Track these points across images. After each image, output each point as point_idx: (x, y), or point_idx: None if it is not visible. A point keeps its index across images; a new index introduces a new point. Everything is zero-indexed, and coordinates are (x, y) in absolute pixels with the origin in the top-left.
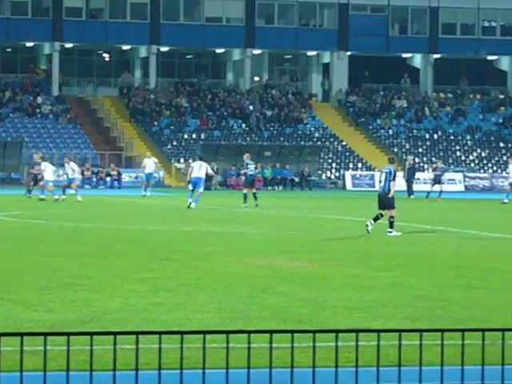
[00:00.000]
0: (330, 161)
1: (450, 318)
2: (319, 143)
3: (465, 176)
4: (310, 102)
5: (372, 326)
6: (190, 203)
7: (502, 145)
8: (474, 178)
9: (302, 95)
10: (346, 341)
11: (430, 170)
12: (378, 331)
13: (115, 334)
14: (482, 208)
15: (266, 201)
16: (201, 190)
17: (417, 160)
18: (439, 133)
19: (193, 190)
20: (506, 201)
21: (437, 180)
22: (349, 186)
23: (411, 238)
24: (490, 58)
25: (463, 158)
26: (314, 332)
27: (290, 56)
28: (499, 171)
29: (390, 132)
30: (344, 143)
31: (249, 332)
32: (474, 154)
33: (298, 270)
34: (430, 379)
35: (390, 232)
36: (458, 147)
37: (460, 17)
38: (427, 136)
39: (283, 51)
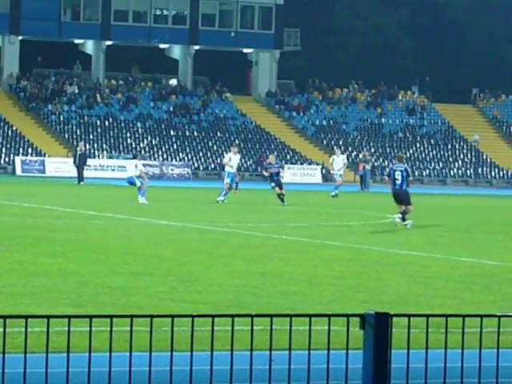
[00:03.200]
0: (0, 146)
1: (114, 304)
2: None
3: None
4: None
5: (36, 312)
6: None
7: (172, 133)
8: (144, 166)
9: None
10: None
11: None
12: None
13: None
14: (151, 195)
15: None
16: None
17: (88, 146)
18: (110, 119)
19: None
20: (333, 193)
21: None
22: (18, 171)
23: (79, 225)
24: (161, 46)
25: (134, 145)
26: None
27: None
28: (169, 159)
29: (62, 118)
30: (14, 128)
31: None
32: (145, 142)
33: None
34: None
35: (406, 224)
36: (128, 134)
37: (132, 4)
38: (98, 123)
39: None
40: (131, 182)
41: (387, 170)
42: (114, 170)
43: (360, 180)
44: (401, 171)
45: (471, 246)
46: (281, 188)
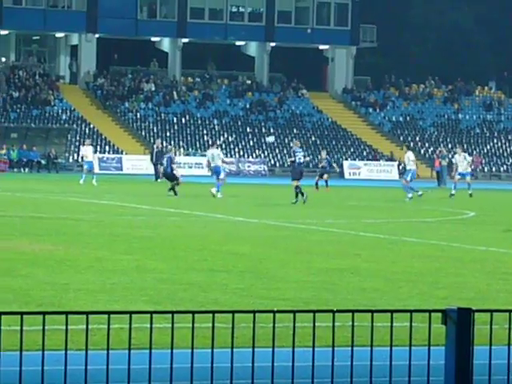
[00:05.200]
0: (77, 143)
1: (192, 300)
2: (67, 125)
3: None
4: (58, 84)
5: (115, 309)
6: None
7: (248, 130)
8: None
9: (50, 77)
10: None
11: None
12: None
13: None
14: (230, 192)
15: (12, 184)
16: None
17: (165, 144)
18: (187, 117)
19: None
20: (454, 192)
21: (323, 171)
22: (96, 169)
23: (156, 221)
24: (237, 43)
25: (211, 142)
26: (62, 313)
27: (37, 37)
28: (246, 156)
29: (138, 115)
30: (92, 126)
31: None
32: (222, 139)
33: (42, 253)
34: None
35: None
36: (205, 131)
37: (208, 1)
38: (175, 120)
39: (31, 32)
40: (217, 171)
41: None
42: (190, 167)
43: (437, 176)
44: None
45: None
46: (298, 180)
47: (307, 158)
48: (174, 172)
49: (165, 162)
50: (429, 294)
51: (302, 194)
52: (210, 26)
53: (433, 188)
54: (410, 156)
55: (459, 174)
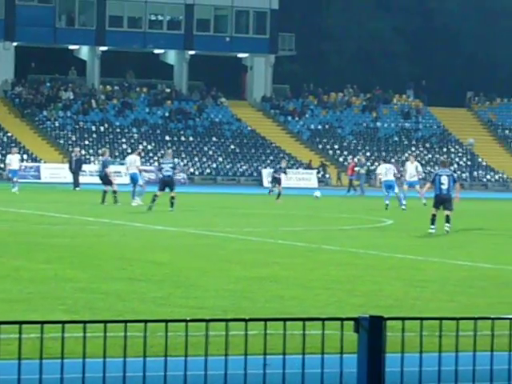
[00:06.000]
0: None
1: (110, 309)
2: None
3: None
4: None
5: (32, 318)
6: None
7: (168, 138)
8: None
9: None
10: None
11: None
12: (41, 323)
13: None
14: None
15: None
16: None
17: (83, 152)
18: (106, 125)
19: None
20: (404, 203)
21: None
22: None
23: (75, 230)
24: (156, 51)
25: (129, 150)
26: None
27: None
28: None
29: (57, 124)
30: (9, 134)
31: None
32: (141, 147)
33: None
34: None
35: (448, 227)
36: (124, 140)
37: (127, 10)
38: (94, 128)
39: None
40: (133, 178)
41: (431, 175)
42: None
43: (349, 183)
44: (447, 176)
45: (467, 249)
46: (162, 190)
47: (177, 170)
48: (110, 177)
49: (100, 165)
50: (346, 301)
51: (153, 201)
52: (128, 34)
53: (351, 196)
54: (418, 166)
55: (408, 183)
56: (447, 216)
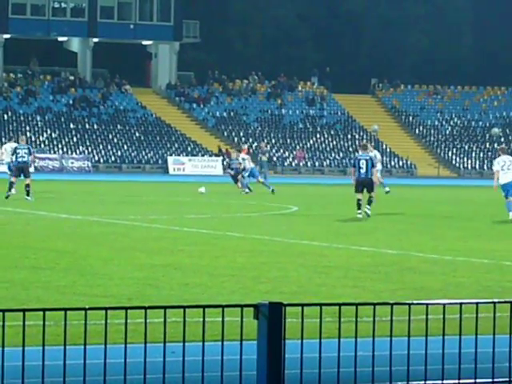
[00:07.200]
0: None
1: (14, 299)
2: None
3: (35, 157)
4: None
5: None
6: None
7: (72, 126)
8: (43, 159)
9: None
10: None
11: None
12: None
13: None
14: (51, 189)
15: None
16: None
17: None
18: (9, 113)
19: None
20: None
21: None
22: None
23: None
24: (60, 39)
25: (33, 138)
26: None
27: None
28: (69, 152)
29: None
30: None
31: None
32: (45, 135)
33: None
34: None
35: (369, 209)
36: (28, 128)
37: None
38: None
39: None
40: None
41: (352, 160)
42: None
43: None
44: (366, 160)
45: (371, 235)
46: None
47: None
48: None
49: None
50: (251, 288)
51: (10, 189)
52: (32, 22)
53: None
54: (377, 155)
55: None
56: (370, 198)
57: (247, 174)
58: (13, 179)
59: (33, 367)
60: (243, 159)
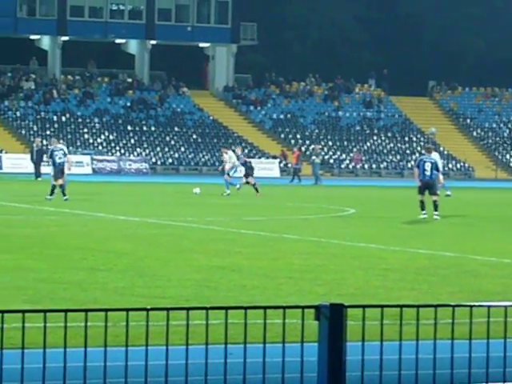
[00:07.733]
0: None
1: (72, 299)
2: None
3: (92, 159)
4: None
5: None
6: None
7: (129, 128)
8: (101, 161)
9: None
10: None
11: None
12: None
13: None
14: (109, 191)
15: None
16: None
17: (45, 142)
18: (67, 115)
19: None
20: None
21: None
22: None
23: (36, 220)
24: (118, 41)
25: (91, 140)
26: None
27: None
28: (127, 154)
29: (18, 114)
30: None
31: None
32: (102, 137)
33: None
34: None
35: (437, 215)
36: (86, 130)
37: (88, 0)
38: (55, 118)
39: None
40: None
41: (416, 161)
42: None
43: (293, 172)
44: (431, 163)
45: (429, 237)
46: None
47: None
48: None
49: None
50: (308, 290)
51: (64, 194)
52: (90, 24)
53: (295, 185)
54: (437, 157)
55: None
56: (435, 202)
57: (233, 171)
58: (59, 181)
59: (94, 368)
60: (230, 157)
